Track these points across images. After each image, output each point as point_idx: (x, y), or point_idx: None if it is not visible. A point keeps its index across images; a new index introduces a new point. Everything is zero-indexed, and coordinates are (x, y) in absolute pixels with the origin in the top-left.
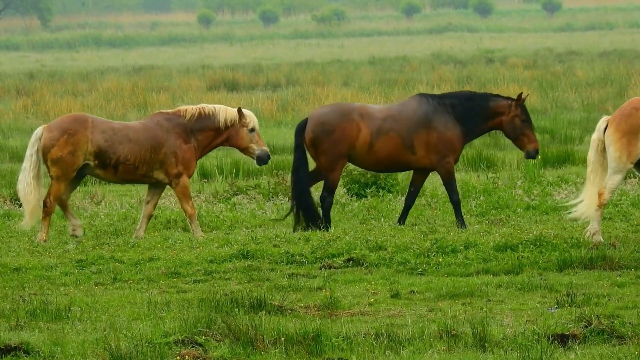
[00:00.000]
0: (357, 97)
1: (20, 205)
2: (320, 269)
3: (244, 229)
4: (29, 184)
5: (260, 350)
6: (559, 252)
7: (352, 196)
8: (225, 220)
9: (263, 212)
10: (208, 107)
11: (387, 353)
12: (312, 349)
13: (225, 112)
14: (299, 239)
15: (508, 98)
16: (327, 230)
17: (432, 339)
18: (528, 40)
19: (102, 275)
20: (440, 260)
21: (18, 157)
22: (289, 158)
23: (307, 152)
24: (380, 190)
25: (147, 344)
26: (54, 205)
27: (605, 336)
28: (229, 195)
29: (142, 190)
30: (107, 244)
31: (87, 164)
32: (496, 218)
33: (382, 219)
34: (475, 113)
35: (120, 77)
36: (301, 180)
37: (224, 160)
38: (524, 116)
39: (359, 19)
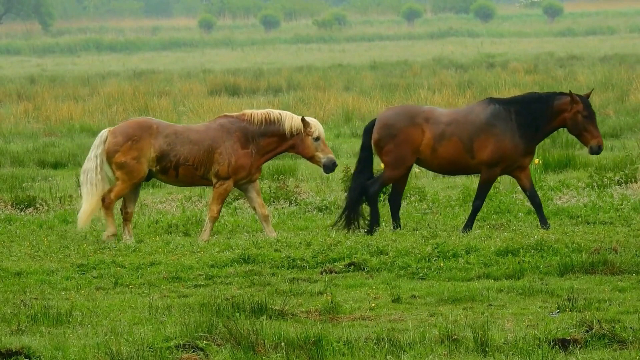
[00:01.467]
0: (359, 102)
1: (21, 210)
2: (322, 273)
3: (245, 234)
4: (95, 185)
5: (262, 354)
6: (560, 257)
7: None
8: (226, 225)
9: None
10: (274, 112)
11: (388, 358)
12: (313, 353)
13: (291, 119)
14: (300, 243)
15: (569, 94)
16: (377, 224)
17: (433, 344)
18: (529, 44)
19: (103, 279)
20: (442, 264)
21: (19, 162)
22: (290, 163)
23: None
24: (382, 195)
25: (148, 349)
26: (114, 202)
27: (607, 341)
28: (230, 200)
29: (144, 195)
30: (109, 248)
31: (149, 169)
32: (497, 223)
33: (384, 224)
34: (539, 116)
35: (121, 81)
36: (362, 178)
37: None
38: (586, 112)
39: (360, 24)
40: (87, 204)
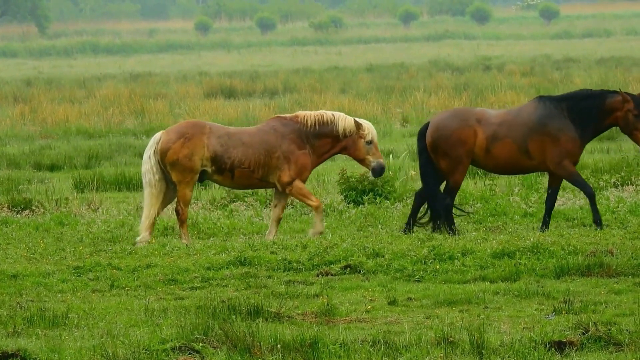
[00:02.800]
0: (355, 105)
1: (18, 212)
2: (318, 276)
3: (241, 236)
4: (154, 186)
5: (258, 357)
6: (556, 259)
7: (349, 203)
8: (222, 227)
9: (260, 219)
10: (327, 114)
11: None
12: (309, 356)
13: (344, 121)
14: (296, 246)
15: (619, 92)
16: (454, 234)
17: (429, 346)
18: (525, 47)
19: (99, 282)
20: (438, 267)
21: (15, 164)
22: None
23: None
24: (378, 197)
25: (144, 351)
26: (186, 210)
27: (603, 343)
28: (226, 202)
29: (140, 197)
30: (105, 250)
31: (205, 170)
32: (493, 225)
33: (380, 226)
34: (591, 113)
35: (117, 84)
36: (430, 184)
37: None
38: (636, 111)
39: (356, 26)
40: (147, 208)
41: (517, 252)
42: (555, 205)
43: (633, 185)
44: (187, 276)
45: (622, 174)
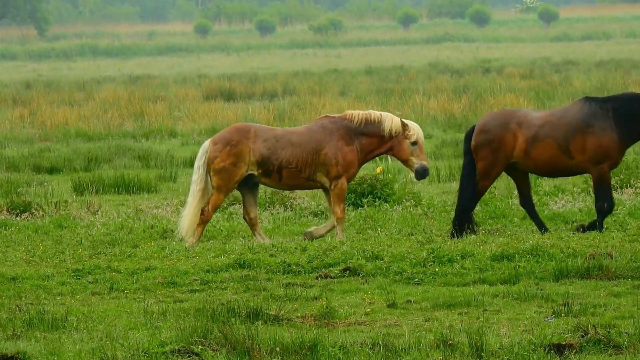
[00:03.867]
0: (354, 107)
1: (17, 215)
2: (317, 278)
3: (241, 239)
4: (195, 197)
5: None
6: (556, 262)
7: (348, 206)
8: (221, 230)
9: (259, 221)
10: (375, 113)
11: None
12: (309, 358)
13: (391, 121)
14: (296, 248)
15: None
16: (459, 236)
17: (428, 349)
18: (525, 50)
19: (98, 284)
20: (437, 269)
21: (14, 167)
22: None
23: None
24: (377, 200)
25: (143, 354)
26: (211, 214)
27: (602, 346)
28: (225, 205)
29: (139, 200)
30: (104, 253)
31: (251, 173)
32: (493, 228)
33: (379, 229)
34: (635, 116)
35: (117, 86)
36: (469, 185)
37: None
38: None
39: (355, 29)
40: (187, 215)
41: (516, 255)
42: (555, 207)
43: (632, 187)
44: (187, 279)
45: (622, 176)
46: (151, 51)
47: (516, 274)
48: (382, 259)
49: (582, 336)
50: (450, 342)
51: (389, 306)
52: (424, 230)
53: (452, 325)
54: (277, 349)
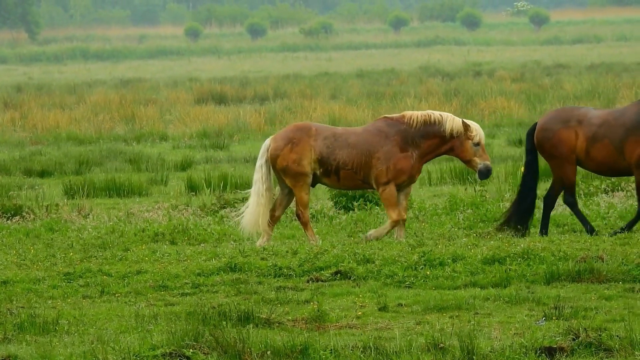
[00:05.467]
0: (345, 110)
1: (8, 219)
2: (308, 282)
3: (232, 242)
4: (263, 195)
5: None
6: (547, 265)
7: (339, 209)
8: (212, 234)
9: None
10: (435, 114)
11: None
12: None
13: (452, 121)
14: (287, 252)
15: None
16: (589, 227)
17: (419, 352)
18: (516, 53)
19: (89, 288)
20: (428, 273)
21: (6, 170)
22: None
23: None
24: (368, 203)
25: (134, 357)
26: (306, 213)
27: (593, 349)
28: (216, 209)
29: (130, 203)
30: (95, 257)
31: (314, 173)
32: (484, 231)
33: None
34: None
35: (108, 90)
36: (530, 181)
37: (212, 173)
38: None
39: (346, 32)
40: (251, 213)
41: (507, 258)
42: None
43: (623, 191)
44: (178, 282)
45: (613, 179)
46: (142, 54)
47: (507, 277)
48: (374, 262)
49: (573, 339)
50: (442, 345)
51: (380, 309)
52: (415, 233)
53: (444, 328)
54: (268, 352)
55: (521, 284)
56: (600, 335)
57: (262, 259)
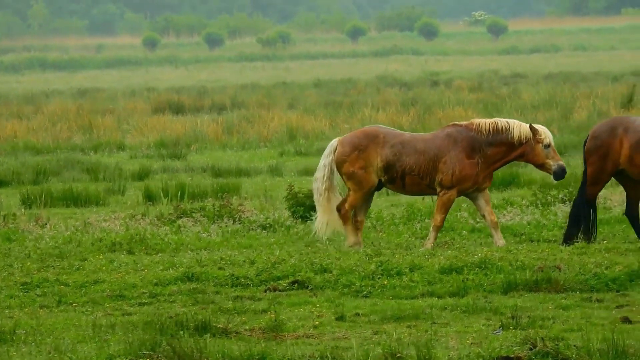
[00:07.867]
0: (303, 120)
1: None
2: (265, 291)
3: (189, 252)
4: (322, 195)
5: None
6: (504, 275)
7: (297, 219)
8: (170, 243)
9: (208, 234)
10: (502, 121)
11: None
12: None
13: (519, 127)
14: (244, 261)
15: None
16: (592, 240)
17: None
18: (473, 62)
19: (47, 298)
20: (385, 282)
21: None
22: (234, 181)
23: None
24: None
25: None
26: (349, 212)
27: (550, 359)
28: (173, 218)
29: (88, 213)
30: (52, 266)
31: (379, 179)
32: (441, 241)
33: (327, 242)
34: None
35: (65, 99)
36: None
37: (169, 183)
38: None
39: (304, 42)
40: (319, 213)
41: (464, 268)
42: (503, 220)
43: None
44: (135, 292)
45: (570, 189)
46: (99, 64)
47: (464, 287)
48: (331, 272)
49: (531, 349)
50: (399, 355)
51: (337, 319)
52: (372, 243)
53: (401, 338)
54: None
55: (478, 293)
56: (557, 344)
57: (220, 268)
